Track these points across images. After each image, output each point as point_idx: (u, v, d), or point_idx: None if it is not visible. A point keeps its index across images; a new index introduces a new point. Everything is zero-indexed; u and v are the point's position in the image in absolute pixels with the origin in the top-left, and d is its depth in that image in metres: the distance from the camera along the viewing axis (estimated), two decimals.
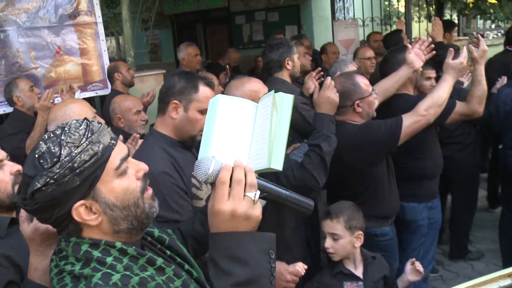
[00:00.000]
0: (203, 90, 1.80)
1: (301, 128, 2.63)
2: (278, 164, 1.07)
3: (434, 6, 7.75)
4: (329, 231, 2.09)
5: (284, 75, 2.91)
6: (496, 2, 7.12)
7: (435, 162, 2.77)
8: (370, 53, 4.18)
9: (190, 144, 1.84)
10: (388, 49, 3.76)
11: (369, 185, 2.39)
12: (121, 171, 0.99)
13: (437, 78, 2.90)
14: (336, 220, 2.07)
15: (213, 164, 1.01)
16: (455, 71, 2.39)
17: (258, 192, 1.00)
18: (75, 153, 0.92)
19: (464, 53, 2.41)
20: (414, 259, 2.18)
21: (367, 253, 2.16)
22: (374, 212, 2.39)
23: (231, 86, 2.06)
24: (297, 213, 1.08)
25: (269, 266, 0.99)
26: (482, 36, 8.12)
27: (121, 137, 2.40)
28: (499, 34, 10.18)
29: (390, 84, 2.61)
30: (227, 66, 5.12)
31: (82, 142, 0.94)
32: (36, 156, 0.94)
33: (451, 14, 8.03)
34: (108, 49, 4.33)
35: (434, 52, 2.62)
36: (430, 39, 2.74)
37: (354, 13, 7.48)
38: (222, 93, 2.13)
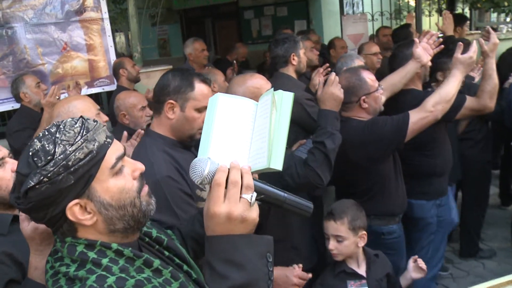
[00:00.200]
0: (199, 87, 1.74)
1: (306, 125, 2.60)
2: (277, 164, 1.04)
3: (445, 0, 7.61)
4: (333, 233, 2.05)
5: (290, 71, 2.88)
6: None
7: (445, 159, 2.72)
8: (375, 48, 4.11)
9: (189, 143, 1.80)
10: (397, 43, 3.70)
11: (376, 182, 2.35)
12: (117, 170, 0.97)
13: None
14: (340, 221, 2.03)
15: (209, 165, 0.98)
16: (464, 66, 2.34)
17: (255, 194, 0.97)
18: (70, 151, 0.91)
19: (473, 47, 2.35)
20: (416, 256, 2.15)
21: (370, 251, 2.13)
22: (381, 209, 2.36)
23: (233, 82, 2.03)
24: (296, 215, 1.04)
25: (266, 269, 0.96)
26: (495, 30, 7.95)
27: (125, 133, 2.42)
28: None
29: (397, 79, 2.56)
30: (235, 62, 5.09)
31: (77, 140, 0.92)
32: (30, 154, 0.92)
33: (463, 8, 7.88)
34: (117, 45, 4.33)
35: (443, 46, 2.56)
36: (438, 33, 2.67)
37: (363, 7, 7.40)
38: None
